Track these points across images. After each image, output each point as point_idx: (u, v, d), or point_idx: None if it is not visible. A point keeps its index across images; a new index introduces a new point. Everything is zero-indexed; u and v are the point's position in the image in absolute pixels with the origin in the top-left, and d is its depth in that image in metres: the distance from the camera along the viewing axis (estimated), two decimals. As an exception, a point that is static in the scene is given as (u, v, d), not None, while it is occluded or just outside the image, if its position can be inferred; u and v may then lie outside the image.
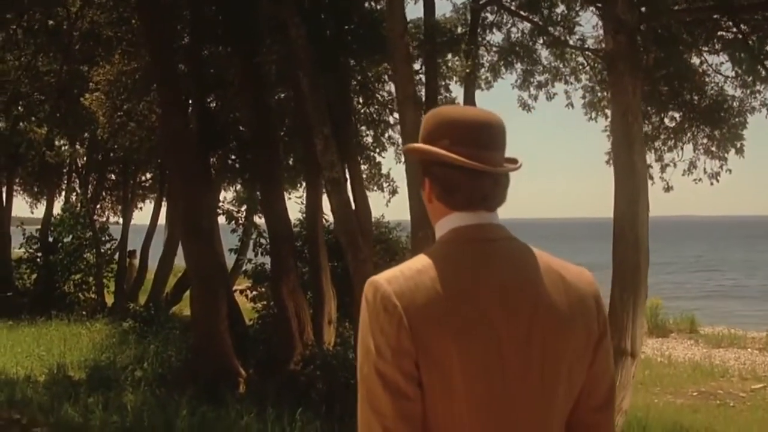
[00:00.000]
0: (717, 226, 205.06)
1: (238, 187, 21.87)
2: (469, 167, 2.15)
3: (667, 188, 13.19)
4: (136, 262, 26.52)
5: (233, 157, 19.54)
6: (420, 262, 2.14)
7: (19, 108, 18.47)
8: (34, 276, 25.84)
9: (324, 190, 12.92)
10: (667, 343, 23.38)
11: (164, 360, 14.28)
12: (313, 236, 13.79)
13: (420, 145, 2.25)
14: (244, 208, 20.34)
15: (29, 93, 18.97)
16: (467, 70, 12.19)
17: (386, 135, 19.55)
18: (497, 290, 2.09)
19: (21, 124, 18.74)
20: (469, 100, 12.28)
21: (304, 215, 15.93)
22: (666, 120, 12.98)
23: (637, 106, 9.28)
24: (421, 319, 2.03)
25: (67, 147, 23.54)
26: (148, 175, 29.34)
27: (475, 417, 2.05)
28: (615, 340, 8.97)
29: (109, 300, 24.83)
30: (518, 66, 13.79)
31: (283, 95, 17.75)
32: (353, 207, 11.65)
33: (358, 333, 2.12)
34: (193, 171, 12.97)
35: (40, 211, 31.35)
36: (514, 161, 2.26)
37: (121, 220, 27.58)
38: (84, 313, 21.73)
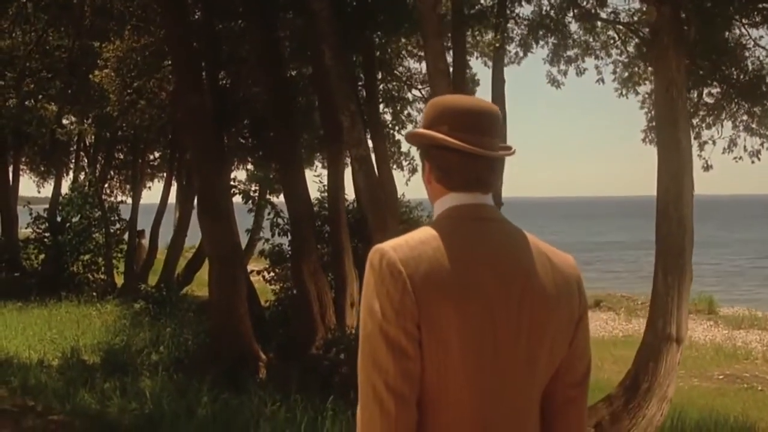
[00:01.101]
0: (723, 206, 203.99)
1: (249, 166, 21.53)
2: (465, 151, 2.31)
3: (707, 167, 12.79)
4: (145, 242, 26.13)
5: (245, 135, 19.18)
6: (423, 233, 2.30)
7: (30, 85, 17.86)
8: (41, 256, 25.40)
9: (346, 169, 12.51)
10: (686, 324, 22.96)
11: (180, 343, 13.87)
12: (335, 216, 13.36)
13: (421, 130, 2.40)
14: (256, 187, 19.95)
15: (39, 69, 18.38)
16: (497, 44, 11.74)
17: (405, 112, 19.21)
18: (492, 264, 2.26)
19: (29, 102, 18.06)
20: (498, 74, 11.82)
21: (323, 194, 15.58)
22: (705, 96, 12.52)
23: (681, 81, 8.88)
24: (423, 285, 2.17)
25: (75, 126, 22.94)
26: (157, 154, 28.97)
27: (468, 375, 2.20)
28: (659, 325, 8.63)
29: (119, 281, 24.43)
30: (550, 40, 13.30)
31: (296, 71, 17.36)
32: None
33: (362, 296, 2.26)
34: (210, 149, 12.56)
35: (46, 190, 31.01)
36: (508, 148, 2.42)
37: (129, 200, 27.18)
38: (94, 294, 21.35)
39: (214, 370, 11.42)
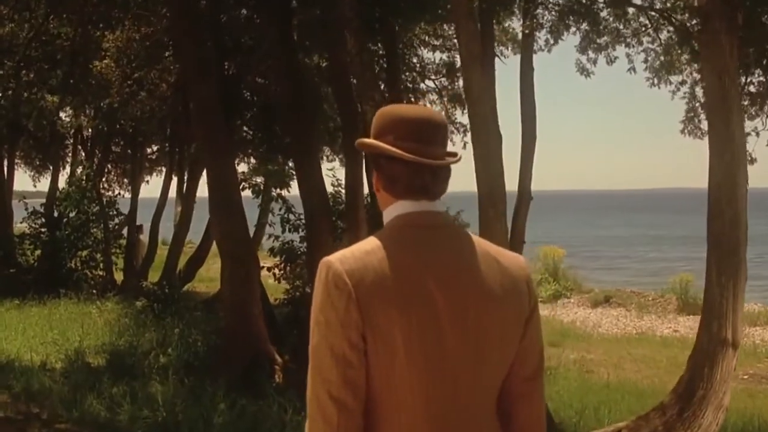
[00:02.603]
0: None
1: (251, 159, 20.98)
2: (409, 160, 2.38)
3: (751, 160, 12.19)
4: (143, 237, 25.49)
5: (251, 127, 18.62)
6: (369, 244, 2.37)
7: (30, 74, 17.10)
8: (37, 252, 24.68)
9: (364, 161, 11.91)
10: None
11: (189, 345, 13.21)
12: (353, 211, 12.67)
13: (368, 140, 2.49)
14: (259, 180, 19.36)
15: (40, 58, 17.61)
16: (526, 31, 11.15)
17: (420, 103, 18.63)
18: (437, 270, 2.33)
19: (27, 92, 17.27)
20: (527, 63, 11.25)
21: (336, 188, 15.06)
22: (748, 85, 11.94)
23: (734, 68, 8.35)
24: (368, 295, 2.26)
25: (71, 118, 22.15)
26: (155, 148, 28.30)
27: (415, 379, 2.28)
28: (714, 329, 8.09)
29: (118, 277, 23.75)
30: (582, 26, 12.67)
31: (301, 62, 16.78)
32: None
33: (312, 306, 2.33)
34: (222, 141, 11.96)
35: (42, 185, 30.34)
36: (453, 155, 2.48)
37: (126, 194, 26.51)
38: (94, 291, 20.71)
39: (228, 374, 10.85)
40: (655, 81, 13.77)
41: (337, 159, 22.26)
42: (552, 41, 13.03)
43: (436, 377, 2.31)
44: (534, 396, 2.55)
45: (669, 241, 59.50)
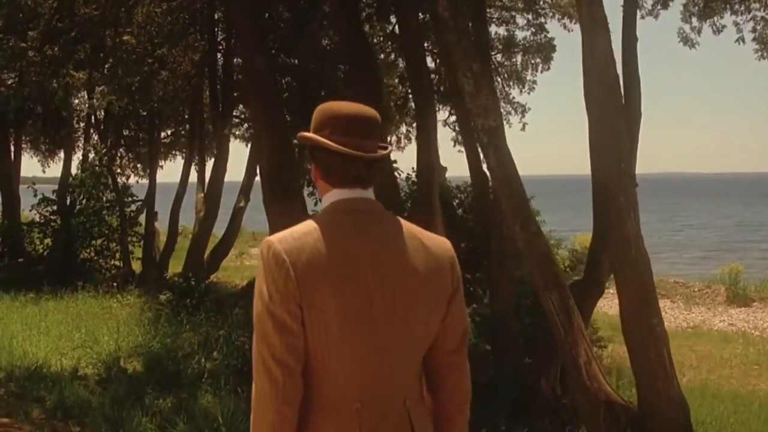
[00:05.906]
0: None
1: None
2: (342, 152, 2.63)
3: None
4: (158, 224, 24.18)
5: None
6: (306, 226, 2.62)
7: (54, 48, 15.62)
8: (46, 241, 23.26)
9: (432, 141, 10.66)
10: (753, 313, 21.29)
11: (236, 348, 11.77)
12: (427, 196, 11.24)
13: (306, 133, 2.73)
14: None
15: (66, 29, 16.14)
16: (630, -6, 9.83)
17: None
18: (368, 250, 2.60)
19: (50, 69, 15.73)
20: (630, 31, 9.89)
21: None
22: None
23: None
24: (304, 272, 2.51)
25: (95, 98, 20.59)
26: (168, 132, 26.90)
27: (347, 347, 2.54)
28: None
29: (135, 268, 22.37)
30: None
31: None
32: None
33: (255, 282, 2.60)
34: (279, 121, 10.60)
35: (52, 170, 29.08)
36: (384, 148, 2.73)
37: (141, 180, 25.22)
38: (114, 284, 19.40)
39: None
40: (765, 53, 12.44)
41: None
42: (660, 6, 11.68)
43: (366, 347, 2.54)
44: (459, 367, 2.78)
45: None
